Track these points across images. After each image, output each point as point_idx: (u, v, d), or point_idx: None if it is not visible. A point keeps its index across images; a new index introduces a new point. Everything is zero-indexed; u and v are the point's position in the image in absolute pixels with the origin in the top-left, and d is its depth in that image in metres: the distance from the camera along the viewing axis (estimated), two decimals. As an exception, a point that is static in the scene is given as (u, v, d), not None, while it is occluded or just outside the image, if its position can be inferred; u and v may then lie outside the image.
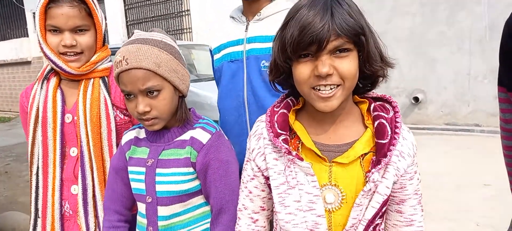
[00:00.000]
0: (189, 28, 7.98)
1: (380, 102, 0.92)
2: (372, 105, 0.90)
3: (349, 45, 0.79)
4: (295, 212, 0.86)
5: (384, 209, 0.88)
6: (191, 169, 1.07)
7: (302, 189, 0.85)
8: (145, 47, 1.03)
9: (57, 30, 1.23)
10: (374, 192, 0.84)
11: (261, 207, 0.98)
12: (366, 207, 0.85)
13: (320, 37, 0.76)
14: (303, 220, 0.85)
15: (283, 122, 0.89)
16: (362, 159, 0.86)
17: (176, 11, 8.10)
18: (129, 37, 1.12)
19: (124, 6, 8.84)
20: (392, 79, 6.22)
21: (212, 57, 1.52)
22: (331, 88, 0.80)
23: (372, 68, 0.84)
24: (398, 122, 0.87)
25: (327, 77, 0.79)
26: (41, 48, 1.26)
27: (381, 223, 0.92)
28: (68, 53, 1.24)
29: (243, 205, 0.99)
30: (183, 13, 8.01)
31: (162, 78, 1.03)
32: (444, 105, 5.76)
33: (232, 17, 1.46)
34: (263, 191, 0.96)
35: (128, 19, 8.90)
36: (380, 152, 0.84)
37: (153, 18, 8.49)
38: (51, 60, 1.25)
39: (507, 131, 1.14)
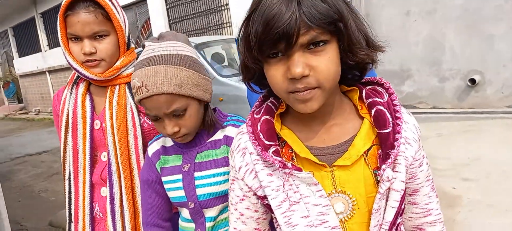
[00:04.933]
0: (228, 22, 7.99)
1: (370, 87, 0.80)
2: (363, 91, 0.78)
3: (325, 36, 0.66)
4: (306, 230, 0.75)
5: (403, 206, 0.77)
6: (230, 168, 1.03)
7: (308, 202, 0.74)
8: (163, 68, 0.96)
9: (77, 38, 1.22)
10: (389, 190, 0.73)
11: (256, 229, 0.86)
12: (385, 209, 0.74)
13: (288, 32, 0.63)
14: None
15: (268, 130, 0.78)
16: (366, 156, 0.74)
17: (215, 6, 8.15)
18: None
19: (166, 5, 9.05)
20: (444, 61, 5.83)
21: (238, 47, 1.48)
22: (308, 91, 0.68)
23: (356, 58, 0.71)
24: (396, 105, 0.75)
25: (302, 79, 0.67)
26: (65, 57, 1.26)
27: (401, 221, 0.82)
28: (89, 61, 1.23)
29: (234, 228, 0.87)
30: (223, 8, 8.03)
31: (185, 97, 0.99)
32: (504, 86, 5.26)
33: None
34: (256, 211, 0.84)
35: (170, 18, 9.11)
36: (385, 144, 0.72)
37: (194, 15, 8.61)
38: (74, 68, 1.25)
39: None
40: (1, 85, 17.14)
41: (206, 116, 1.07)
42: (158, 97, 0.96)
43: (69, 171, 1.32)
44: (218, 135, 1.08)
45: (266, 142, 0.76)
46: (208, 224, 1.07)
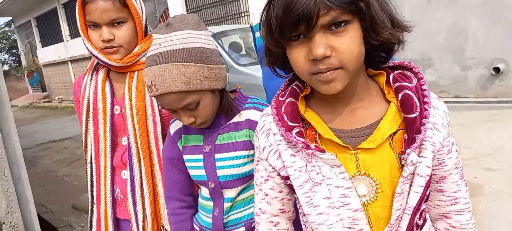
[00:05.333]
0: (246, 11, 7.96)
1: (399, 71, 0.79)
2: (391, 75, 0.77)
3: (346, 16, 0.66)
4: (327, 211, 0.75)
5: (428, 192, 0.77)
6: (251, 151, 1.06)
7: (330, 183, 0.74)
8: (169, 67, 0.95)
9: (96, 25, 1.24)
10: (413, 175, 0.73)
11: (280, 209, 0.88)
12: (408, 193, 0.74)
13: (307, 13, 0.63)
14: (338, 218, 0.75)
15: (293, 112, 0.78)
16: (391, 140, 0.74)
17: (233, -5, 8.13)
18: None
19: (184, -6, 9.09)
20: (467, 50, 5.66)
21: (254, 34, 1.46)
22: (331, 71, 0.67)
23: (380, 38, 0.70)
24: (425, 90, 0.74)
25: (324, 60, 0.66)
26: (84, 44, 1.29)
27: (426, 208, 0.81)
28: (107, 47, 1.25)
29: (259, 209, 0.89)
30: (241, -4, 8.01)
31: (196, 91, 0.98)
32: (530, 75, 5.10)
33: None
34: (280, 192, 0.86)
35: (188, 7, 9.15)
36: (411, 128, 0.72)
37: (212, 4, 8.61)
38: (94, 55, 1.28)
39: None
40: (25, 75, 17.63)
41: (223, 101, 1.08)
42: (168, 96, 0.97)
43: (91, 155, 1.36)
44: (239, 117, 1.08)
45: (290, 123, 0.77)
46: (226, 205, 1.10)
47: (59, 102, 14.40)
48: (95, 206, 1.37)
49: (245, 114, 1.08)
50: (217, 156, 1.08)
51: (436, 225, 0.87)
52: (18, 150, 2.22)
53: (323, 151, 0.73)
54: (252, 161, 1.07)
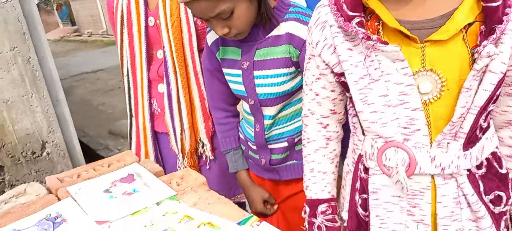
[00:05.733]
0: None
1: None
2: None
3: None
4: (382, 109, 0.71)
5: (498, 92, 0.70)
6: (292, 69, 1.00)
7: (389, 80, 0.69)
8: None
9: None
10: (485, 71, 0.66)
11: (331, 110, 0.84)
12: (476, 91, 0.67)
13: None
14: (394, 117, 0.71)
15: (353, 1, 0.70)
16: (465, 32, 0.66)
17: None
18: None
19: None
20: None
21: None
22: None
23: None
24: None
25: None
26: None
27: (492, 111, 0.74)
28: None
29: (308, 110, 0.86)
30: None
31: None
32: None
33: None
34: (332, 91, 0.81)
35: None
36: (491, 18, 0.63)
37: None
38: None
39: None
40: (55, 8, 17.79)
41: (260, 10, 0.99)
42: (198, 3, 0.89)
43: (127, 68, 1.34)
44: (279, 30, 1.00)
45: (350, 13, 0.69)
46: (267, 122, 1.07)
47: (89, 36, 14.59)
48: (134, 119, 1.38)
49: (285, 27, 1.00)
50: (256, 73, 1.03)
51: (500, 133, 0.80)
52: (54, 72, 2.26)
53: (385, 43, 0.67)
54: (293, 78, 1.02)
